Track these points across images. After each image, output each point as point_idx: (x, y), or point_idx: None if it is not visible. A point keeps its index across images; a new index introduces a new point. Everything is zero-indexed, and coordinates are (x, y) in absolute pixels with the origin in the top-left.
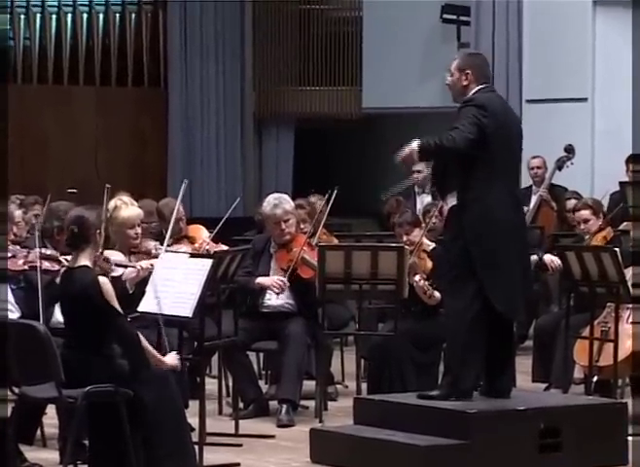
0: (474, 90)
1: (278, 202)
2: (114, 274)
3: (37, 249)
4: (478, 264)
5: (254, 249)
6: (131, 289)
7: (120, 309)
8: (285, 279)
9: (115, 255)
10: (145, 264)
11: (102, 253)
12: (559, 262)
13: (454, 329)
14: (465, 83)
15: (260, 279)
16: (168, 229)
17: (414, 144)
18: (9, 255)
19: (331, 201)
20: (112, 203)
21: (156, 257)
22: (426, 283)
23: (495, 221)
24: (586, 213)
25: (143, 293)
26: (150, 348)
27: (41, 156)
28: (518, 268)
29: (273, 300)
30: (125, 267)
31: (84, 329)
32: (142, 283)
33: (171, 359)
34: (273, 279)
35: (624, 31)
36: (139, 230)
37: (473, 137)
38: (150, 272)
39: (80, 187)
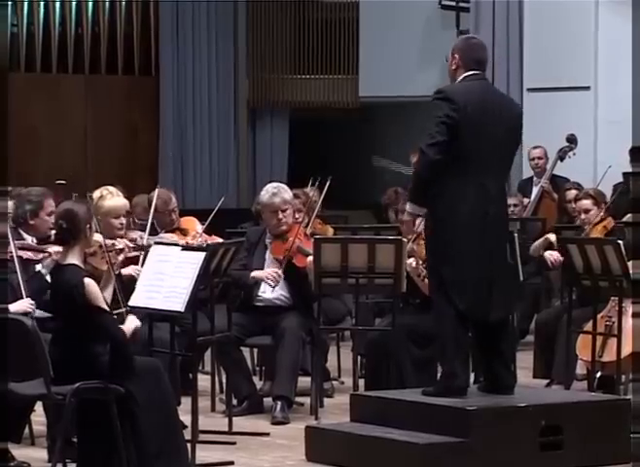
0: (462, 76)
1: (277, 191)
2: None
3: (12, 242)
4: (437, 259)
5: (248, 241)
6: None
7: (105, 307)
8: (280, 271)
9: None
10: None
11: (101, 247)
12: (559, 256)
13: (437, 324)
14: (454, 67)
15: (254, 273)
16: (160, 220)
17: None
18: None
19: (324, 191)
20: (97, 193)
21: (140, 246)
22: (421, 266)
23: (453, 215)
24: (587, 203)
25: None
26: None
27: (29, 146)
28: (484, 263)
29: (268, 293)
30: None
31: (69, 327)
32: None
33: (131, 322)
34: (268, 272)
35: (629, 18)
36: (124, 220)
37: (443, 139)
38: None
39: (69, 178)
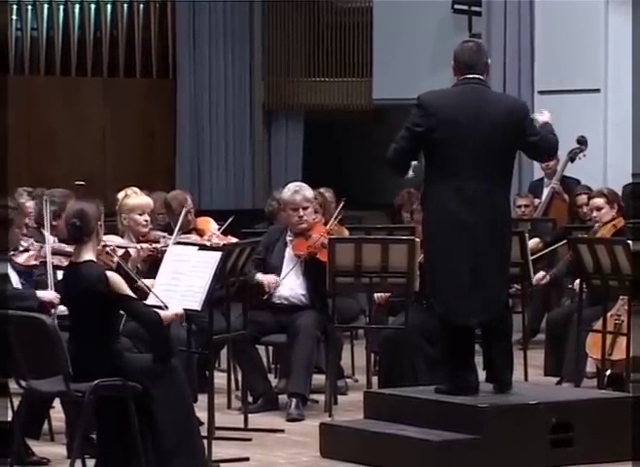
0: (456, 83)
1: (299, 189)
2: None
3: (47, 245)
4: (424, 261)
5: (268, 239)
6: (134, 270)
7: (132, 294)
8: (279, 279)
9: (113, 238)
10: (145, 245)
11: (105, 247)
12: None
13: (438, 326)
14: (453, 73)
15: (259, 275)
16: (176, 221)
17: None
18: (21, 248)
19: (339, 209)
20: (122, 192)
21: (158, 249)
22: None
23: (431, 218)
24: (600, 201)
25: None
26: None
27: (49, 148)
28: (464, 267)
29: (284, 290)
30: (126, 248)
31: (90, 324)
32: (152, 269)
33: (174, 309)
34: (269, 277)
35: (637, 20)
36: (148, 218)
37: (402, 144)
38: (151, 254)
39: (88, 179)
